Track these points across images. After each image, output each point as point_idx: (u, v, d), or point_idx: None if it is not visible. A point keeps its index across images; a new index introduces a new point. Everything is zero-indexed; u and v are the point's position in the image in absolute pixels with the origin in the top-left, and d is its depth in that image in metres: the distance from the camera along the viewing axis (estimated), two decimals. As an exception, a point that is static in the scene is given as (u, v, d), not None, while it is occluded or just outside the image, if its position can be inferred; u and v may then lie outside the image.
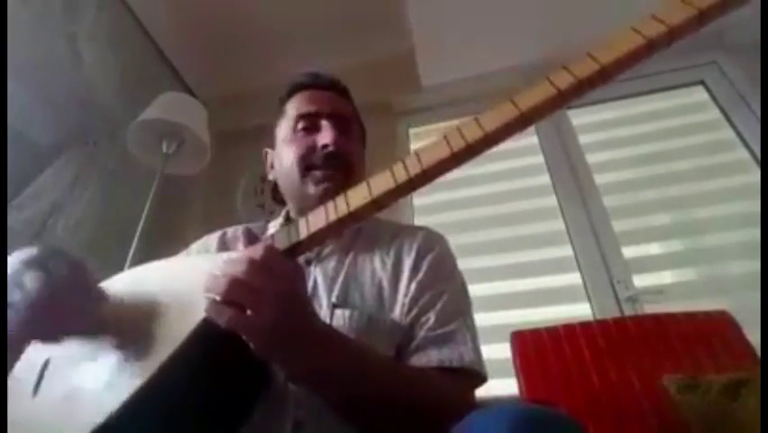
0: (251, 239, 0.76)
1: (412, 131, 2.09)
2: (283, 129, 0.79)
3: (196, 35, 2.13)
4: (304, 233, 0.46)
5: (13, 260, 0.47)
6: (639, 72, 1.90)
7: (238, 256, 0.43)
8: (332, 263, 0.69)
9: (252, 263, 0.42)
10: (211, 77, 2.26)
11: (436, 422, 0.42)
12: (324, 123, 0.74)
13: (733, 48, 1.79)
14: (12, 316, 0.43)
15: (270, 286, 0.42)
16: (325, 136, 0.73)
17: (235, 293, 0.41)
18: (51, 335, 0.46)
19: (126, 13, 1.93)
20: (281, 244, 0.47)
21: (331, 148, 0.72)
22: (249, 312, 0.41)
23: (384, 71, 2.12)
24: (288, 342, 0.43)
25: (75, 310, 0.46)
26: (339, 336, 0.51)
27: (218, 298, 0.41)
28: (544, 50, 1.80)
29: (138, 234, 1.45)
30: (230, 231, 0.79)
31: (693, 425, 0.85)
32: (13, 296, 0.44)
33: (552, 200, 1.73)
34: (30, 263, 0.45)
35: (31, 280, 0.44)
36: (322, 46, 2.13)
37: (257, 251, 0.43)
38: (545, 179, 1.78)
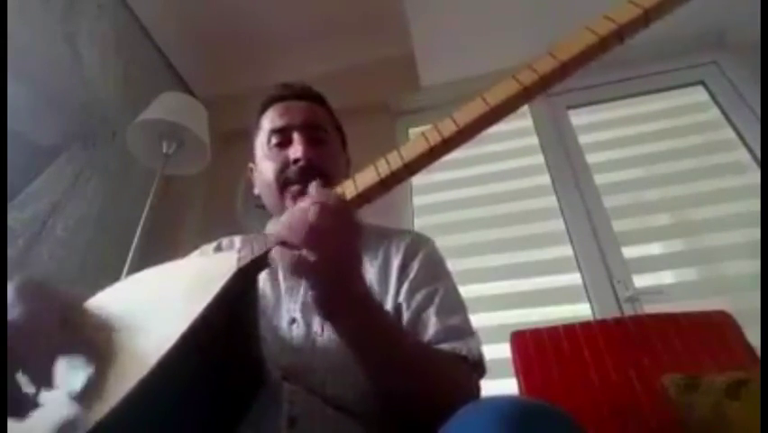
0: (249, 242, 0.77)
1: (411, 131, 2.08)
2: (259, 144, 0.80)
3: (196, 35, 2.13)
4: None
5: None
6: (639, 72, 1.92)
7: (309, 204, 0.44)
8: None
9: (323, 207, 0.43)
10: (211, 77, 2.26)
11: (451, 403, 0.44)
12: (296, 136, 0.76)
13: (733, 48, 1.79)
14: None
15: (336, 233, 0.43)
16: (296, 150, 0.74)
17: (301, 238, 0.42)
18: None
19: (126, 13, 1.93)
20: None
21: (302, 163, 0.73)
22: (311, 258, 0.42)
23: (383, 72, 2.12)
24: (344, 291, 0.46)
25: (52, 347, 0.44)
26: (376, 299, 0.54)
27: (286, 240, 0.43)
28: (543, 50, 1.80)
29: (138, 234, 1.45)
30: (225, 241, 0.81)
31: (693, 425, 0.85)
32: None
33: (552, 200, 1.73)
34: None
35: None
36: (321, 46, 2.14)
37: (329, 198, 0.45)
38: (545, 179, 1.78)
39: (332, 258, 0.43)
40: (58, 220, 1.50)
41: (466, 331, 0.64)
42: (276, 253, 0.44)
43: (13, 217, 1.35)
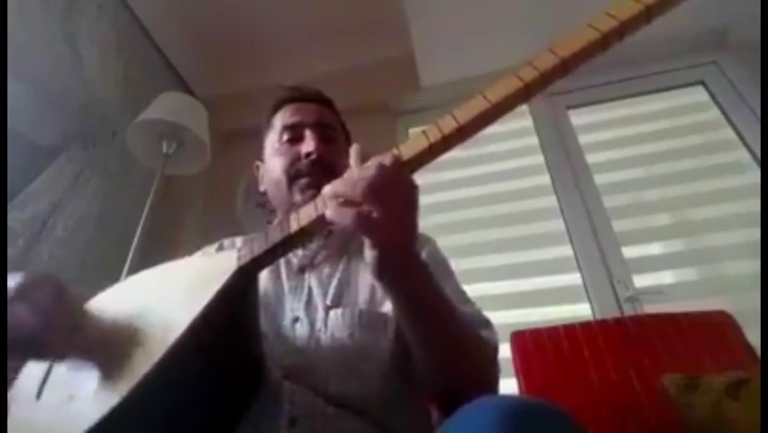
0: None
1: (411, 131, 2.08)
2: (270, 141, 0.83)
3: (196, 35, 2.13)
4: (295, 226, 0.48)
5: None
6: (639, 72, 1.91)
7: (368, 164, 0.44)
8: (325, 269, 0.72)
9: (382, 168, 0.43)
10: (211, 77, 2.26)
11: (482, 381, 0.49)
12: (308, 132, 0.78)
13: (733, 48, 1.79)
14: None
15: (398, 191, 0.43)
16: (308, 145, 0.76)
17: (364, 194, 0.42)
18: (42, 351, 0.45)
19: (126, 13, 1.93)
20: (275, 237, 0.48)
21: (314, 156, 0.75)
22: (375, 214, 0.42)
23: (383, 72, 2.12)
24: (404, 251, 0.46)
25: (59, 339, 0.45)
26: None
27: (343, 199, 0.43)
28: (543, 50, 1.80)
29: (138, 234, 1.45)
30: (226, 241, 0.82)
31: (693, 425, 0.85)
32: None
33: (552, 200, 1.73)
34: (14, 296, 0.44)
35: (14, 315, 0.43)
36: (322, 47, 2.13)
37: (387, 158, 0.44)
38: (545, 179, 1.78)
39: (396, 215, 0.43)
40: (58, 220, 1.50)
41: (484, 321, 0.66)
42: (334, 212, 0.43)
43: (13, 217, 1.35)
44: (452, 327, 0.54)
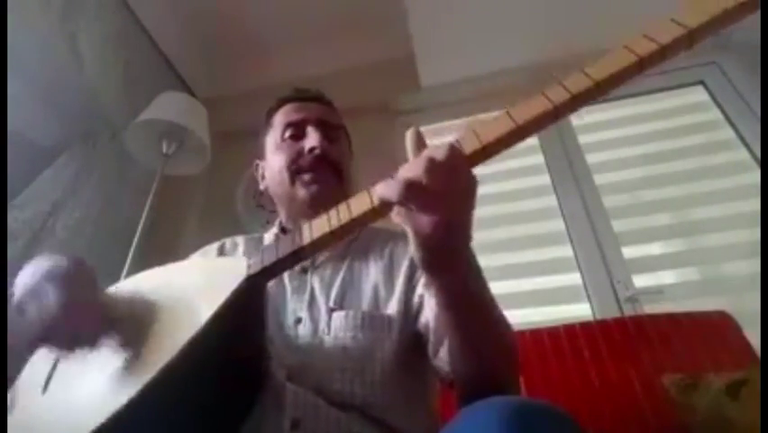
0: (254, 245, 0.78)
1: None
2: (271, 139, 0.82)
3: (196, 35, 2.13)
4: (307, 238, 0.47)
5: (28, 269, 0.48)
6: (639, 72, 1.90)
7: (422, 155, 0.40)
8: (328, 271, 0.72)
9: (432, 162, 0.39)
10: (211, 77, 2.26)
11: (513, 377, 0.53)
12: (311, 129, 0.78)
13: (733, 48, 1.79)
14: (25, 319, 0.44)
15: (446, 188, 0.40)
16: (312, 140, 0.76)
17: (408, 194, 0.38)
18: (63, 339, 0.46)
19: (126, 12, 1.93)
20: (286, 249, 0.47)
21: (317, 151, 0.75)
22: (420, 213, 0.40)
23: (383, 71, 2.12)
24: (448, 249, 0.45)
25: (85, 311, 0.46)
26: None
27: (392, 200, 0.39)
28: (542, 51, 1.80)
29: (138, 234, 1.45)
30: (228, 241, 0.82)
31: (693, 425, 0.85)
32: (28, 303, 0.44)
33: (552, 200, 1.73)
34: (44, 271, 0.46)
35: (46, 287, 0.45)
36: (322, 47, 2.13)
37: (440, 151, 0.40)
38: (545, 179, 1.78)
39: (457, 195, 0.42)
40: (58, 220, 1.50)
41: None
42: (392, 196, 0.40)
43: (13, 217, 1.34)
44: (494, 320, 0.54)
